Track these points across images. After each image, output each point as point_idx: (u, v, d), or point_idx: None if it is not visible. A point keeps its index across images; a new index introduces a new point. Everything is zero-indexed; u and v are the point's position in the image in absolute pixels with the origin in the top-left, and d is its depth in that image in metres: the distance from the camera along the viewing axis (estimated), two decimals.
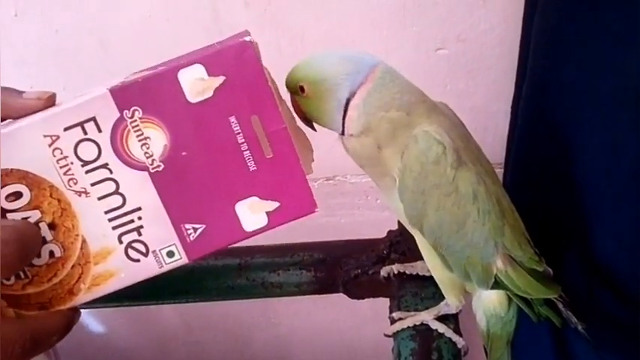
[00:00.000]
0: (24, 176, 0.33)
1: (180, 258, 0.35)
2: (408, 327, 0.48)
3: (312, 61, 0.40)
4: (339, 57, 0.40)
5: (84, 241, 0.34)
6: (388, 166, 0.40)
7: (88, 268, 0.34)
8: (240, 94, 0.33)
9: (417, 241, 0.45)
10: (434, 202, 0.40)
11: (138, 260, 0.35)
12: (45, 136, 0.32)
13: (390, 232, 0.59)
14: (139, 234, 0.34)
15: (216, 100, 0.33)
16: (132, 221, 0.34)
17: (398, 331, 0.48)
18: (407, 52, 0.65)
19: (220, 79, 0.33)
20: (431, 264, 0.45)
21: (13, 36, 0.70)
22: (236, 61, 0.32)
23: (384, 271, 0.54)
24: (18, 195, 0.33)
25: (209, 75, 0.32)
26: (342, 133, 0.41)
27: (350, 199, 0.77)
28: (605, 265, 0.50)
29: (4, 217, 0.33)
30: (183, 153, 0.34)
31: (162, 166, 0.34)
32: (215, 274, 0.60)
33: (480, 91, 0.67)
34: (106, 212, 0.34)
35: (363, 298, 0.58)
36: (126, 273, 0.35)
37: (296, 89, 0.40)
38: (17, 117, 0.33)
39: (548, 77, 0.53)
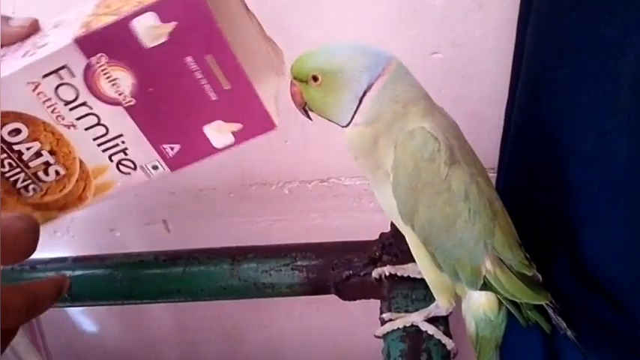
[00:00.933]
0: (19, 116, 0.38)
1: (164, 169, 0.41)
2: (398, 328, 0.48)
3: (327, 52, 0.41)
4: (356, 49, 0.41)
5: (81, 162, 0.40)
6: (381, 158, 0.41)
7: (89, 181, 0.41)
8: (193, 36, 0.35)
9: (408, 241, 0.45)
10: (426, 200, 0.40)
11: (129, 173, 0.41)
12: (27, 83, 0.36)
13: (382, 234, 0.60)
14: (126, 154, 0.40)
15: (171, 43, 0.35)
16: (117, 145, 0.40)
17: (388, 332, 0.48)
18: (402, 55, 0.64)
19: (172, 25, 0.35)
20: (422, 264, 0.46)
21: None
22: (185, 5, 0.34)
23: (375, 273, 0.54)
24: (18, 131, 0.38)
25: (162, 21, 0.35)
26: (346, 125, 0.41)
27: (343, 202, 0.77)
28: (596, 271, 0.50)
29: (10, 149, 0.39)
30: (150, 89, 0.37)
31: (134, 100, 0.38)
32: (207, 274, 0.61)
33: (475, 95, 0.67)
34: (94, 139, 0.39)
35: (355, 300, 0.59)
36: (121, 182, 0.41)
37: (307, 78, 0.40)
38: (6, 44, 0.39)
39: (541, 82, 0.53)
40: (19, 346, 0.73)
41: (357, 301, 0.61)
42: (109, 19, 0.35)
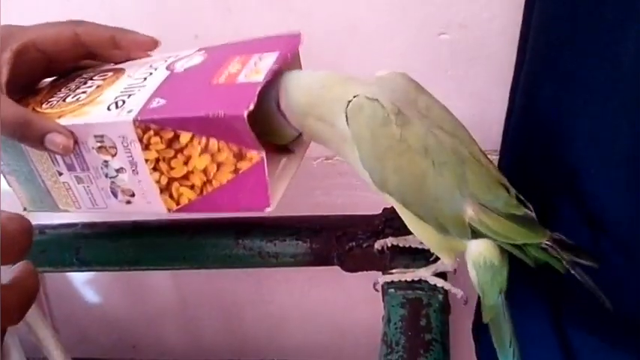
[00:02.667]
0: None
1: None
2: (399, 295, 0.49)
3: None
4: None
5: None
6: (347, 138, 0.43)
7: None
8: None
9: (395, 208, 0.46)
10: (391, 164, 0.42)
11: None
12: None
13: (385, 209, 0.61)
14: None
15: None
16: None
17: (388, 297, 0.50)
18: (410, 35, 0.66)
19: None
20: (414, 228, 0.47)
21: (23, 5, 0.71)
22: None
23: (378, 244, 0.55)
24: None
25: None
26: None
27: (347, 180, 0.78)
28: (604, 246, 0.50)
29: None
30: None
31: None
32: (213, 243, 0.62)
33: (480, 78, 0.68)
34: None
35: (357, 271, 0.60)
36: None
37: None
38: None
39: (545, 63, 0.54)
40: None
41: (358, 278, 0.62)
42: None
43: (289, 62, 0.46)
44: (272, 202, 0.43)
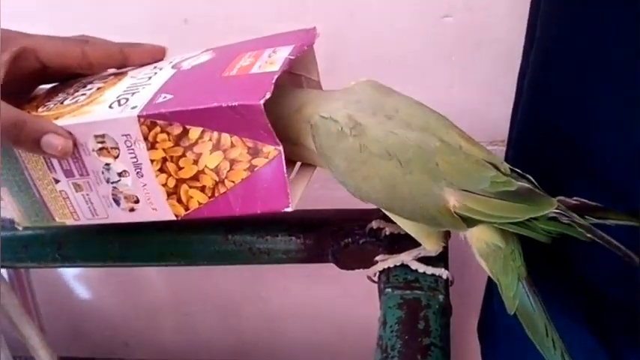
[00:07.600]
0: None
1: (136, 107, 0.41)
2: (397, 295, 0.46)
3: None
4: None
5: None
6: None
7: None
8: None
9: (382, 210, 0.45)
10: (359, 174, 0.41)
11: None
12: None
13: None
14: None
15: None
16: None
17: (385, 297, 0.47)
18: (413, 18, 0.63)
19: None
20: (401, 223, 0.46)
21: None
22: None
23: (375, 224, 0.53)
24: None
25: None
26: None
27: None
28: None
29: None
30: None
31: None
32: (202, 238, 0.59)
33: (486, 64, 0.65)
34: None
35: (352, 269, 0.57)
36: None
37: None
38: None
39: (556, 47, 0.51)
40: (10, 310, 0.72)
41: (357, 275, 0.59)
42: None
43: (305, 57, 0.45)
44: (291, 202, 0.42)
